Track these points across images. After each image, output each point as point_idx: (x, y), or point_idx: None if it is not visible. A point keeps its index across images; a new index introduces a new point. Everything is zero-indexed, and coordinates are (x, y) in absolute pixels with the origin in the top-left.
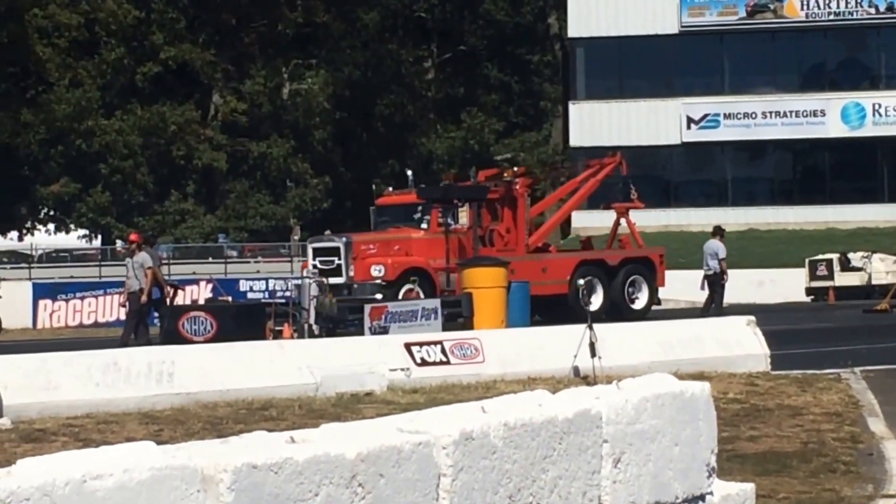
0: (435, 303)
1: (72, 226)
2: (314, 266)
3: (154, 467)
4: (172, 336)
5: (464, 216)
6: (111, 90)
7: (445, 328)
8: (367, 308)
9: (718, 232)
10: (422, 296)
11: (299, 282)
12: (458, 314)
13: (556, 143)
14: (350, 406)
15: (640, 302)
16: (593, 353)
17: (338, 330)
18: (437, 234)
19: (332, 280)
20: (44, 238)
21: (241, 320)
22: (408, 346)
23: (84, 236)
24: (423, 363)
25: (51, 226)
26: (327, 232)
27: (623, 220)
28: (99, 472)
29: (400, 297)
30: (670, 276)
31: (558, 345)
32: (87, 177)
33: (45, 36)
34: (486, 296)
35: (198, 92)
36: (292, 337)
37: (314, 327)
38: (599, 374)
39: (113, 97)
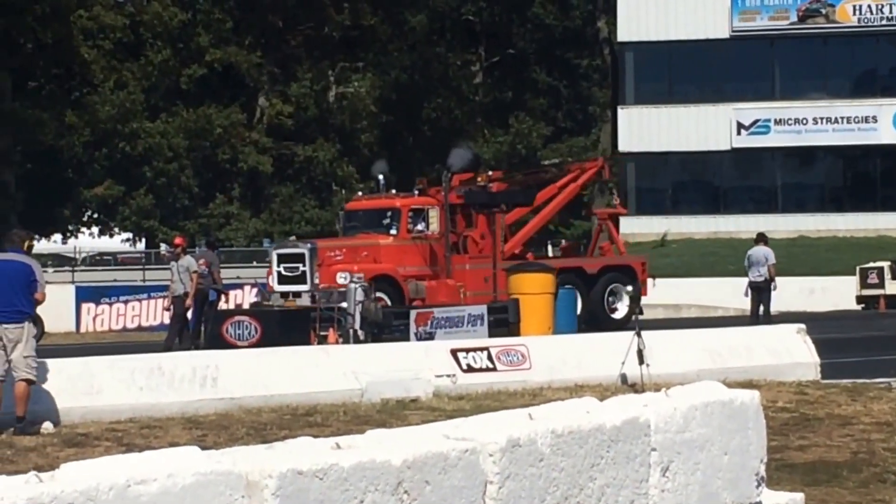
0: (481, 309)
1: (115, 229)
2: (278, 273)
3: (198, 472)
4: (216, 341)
5: (434, 222)
6: (156, 92)
7: (492, 334)
8: (413, 313)
9: (763, 239)
10: (389, 305)
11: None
12: (505, 320)
13: (605, 148)
14: (395, 412)
15: (620, 312)
16: (641, 361)
17: (383, 335)
18: (407, 241)
19: (296, 288)
20: (87, 241)
21: (285, 325)
22: (454, 353)
23: (127, 240)
24: (469, 369)
25: (94, 229)
26: (292, 238)
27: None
28: (143, 477)
29: None
30: (720, 282)
31: (606, 352)
32: (131, 179)
33: (90, 38)
34: (533, 302)
35: (243, 94)
36: (337, 342)
37: (359, 332)
38: (647, 381)
39: (158, 100)
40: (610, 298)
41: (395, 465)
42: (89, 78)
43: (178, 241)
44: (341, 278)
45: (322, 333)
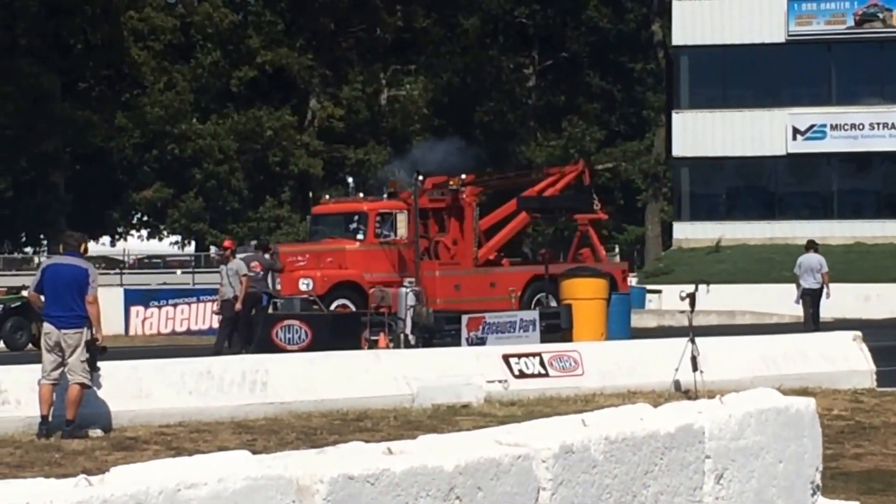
0: (534, 314)
1: (164, 231)
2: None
3: (249, 477)
4: (266, 345)
5: (402, 226)
6: (206, 94)
7: (544, 340)
8: (465, 318)
9: (813, 246)
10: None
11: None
12: (557, 326)
13: (659, 152)
14: (446, 418)
15: None
16: (695, 367)
17: (434, 340)
18: (374, 246)
19: None
20: (136, 244)
21: (336, 329)
22: (506, 358)
23: (176, 242)
24: (522, 375)
25: (143, 231)
26: (253, 242)
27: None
28: (193, 481)
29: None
30: (775, 289)
31: (659, 358)
32: (180, 182)
33: (141, 39)
34: (585, 307)
35: (294, 97)
36: (388, 347)
37: (410, 337)
38: (701, 388)
39: (208, 102)
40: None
41: (447, 470)
42: (139, 79)
43: (227, 244)
44: (303, 284)
45: (373, 338)
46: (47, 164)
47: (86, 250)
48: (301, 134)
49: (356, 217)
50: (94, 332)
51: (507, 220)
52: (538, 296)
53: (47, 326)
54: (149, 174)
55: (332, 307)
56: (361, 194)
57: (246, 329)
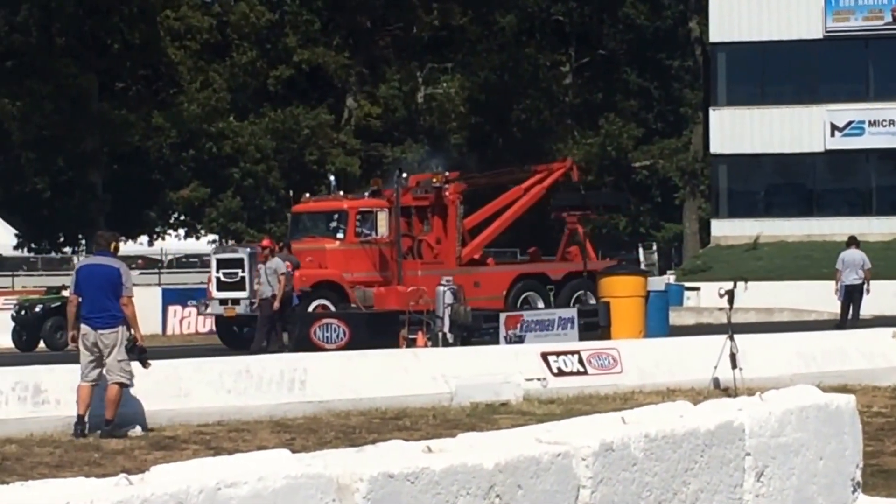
0: (572, 312)
1: (201, 231)
2: (217, 279)
3: (289, 476)
4: (304, 343)
5: (383, 225)
6: (243, 93)
7: (582, 338)
8: (503, 317)
9: (855, 242)
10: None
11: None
12: (595, 324)
13: (697, 149)
14: (485, 416)
15: None
16: (734, 365)
17: (472, 339)
18: (354, 245)
19: (235, 294)
20: (174, 243)
21: (374, 328)
22: (544, 356)
23: (213, 241)
24: (560, 373)
25: (181, 231)
26: (231, 242)
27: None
28: (233, 480)
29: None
30: (813, 286)
31: (698, 356)
32: (217, 181)
33: (177, 38)
34: (624, 305)
35: (331, 95)
36: (426, 345)
37: (448, 336)
38: (740, 385)
39: (245, 101)
40: (577, 305)
41: (487, 468)
42: (176, 79)
43: (265, 243)
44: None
45: (411, 336)
46: (85, 163)
47: (117, 249)
48: (338, 133)
49: (336, 216)
50: (132, 332)
51: (494, 217)
52: (524, 295)
53: (84, 327)
54: (186, 173)
55: (311, 308)
56: (341, 192)
57: (271, 327)
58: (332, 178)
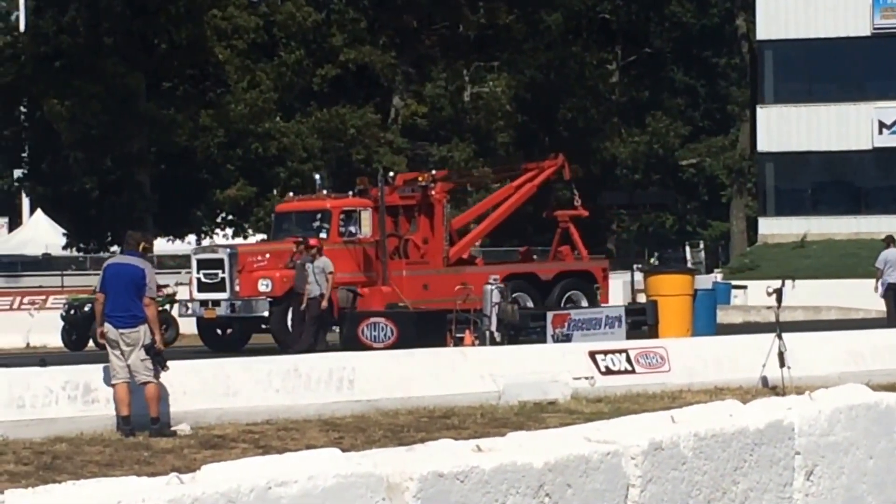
0: (619, 310)
1: (249, 230)
2: (198, 280)
3: (339, 474)
4: (352, 342)
5: (367, 224)
6: (289, 93)
7: (629, 336)
8: (550, 315)
9: (893, 241)
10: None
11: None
12: (643, 322)
13: (744, 147)
14: (533, 415)
15: None
16: (782, 363)
17: (520, 337)
18: (338, 245)
19: (215, 296)
20: (221, 242)
21: (421, 327)
22: (592, 355)
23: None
24: (608, 372)
25: (228, 230)
26: (211, 241)
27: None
28: (283, 479)
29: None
30: (861, 284)
31: (746, 354)
32: (264, 180)
33: (224, 38)
34: (671, 303)
35: (378, 95)
36: (473, 344)
37: (496, 334)
38: (788, 384)
39: (292, 100)
40: (567, 306)
41: (536, 467)
42: (223, 78)
43: (313, 242)
44: (263, 285)
45: (458, 335)
46: (133, 163)
47: (145, 249)
48: (384, 132)
49: (319, 215)
50: (152, 334)
51: (485, 216)
52: (514, 295)
53: (107, 326)
54: (233, 172)
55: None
56: (325, 191)
57: (314, 326)
58: (316, 176)
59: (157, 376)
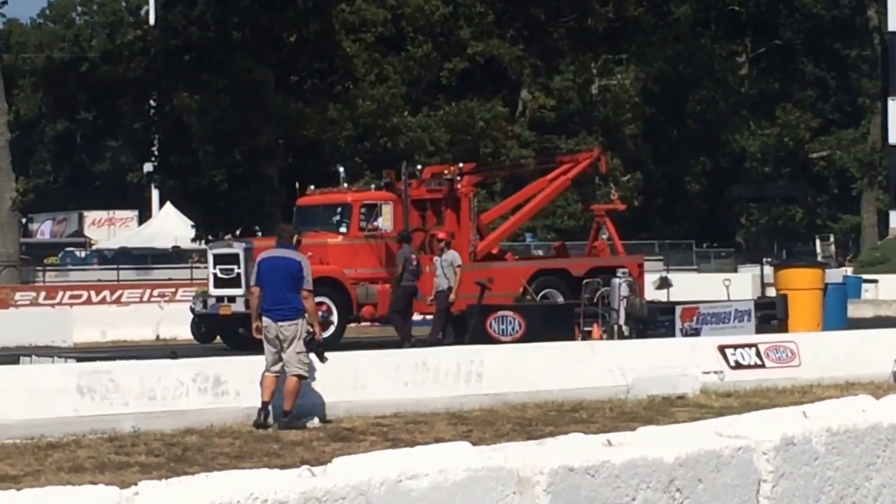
0: (748, 304)
1: None
2: (214, 275)
3: (470, 468)
4: (480, 336)
5: (388, 218)
6: (417, 86)
7: (759, 331)
8: (679, 309)
9: None
10: (333, 310)
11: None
12: (772, 316)
13: (875, 140)
14: (662, 409)
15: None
16: None
17: (648, 331)
18: (358, 240)
19: (231, 291)
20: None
21: (549, 320)
22: (721, 349)
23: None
24: (737, 366)
25: None
26: (227, 236)
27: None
28: (414, 472)
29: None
30: None
31: (877, 349)
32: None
33: (352, 32)
34: (801, 297)
35: (505, 88)
36: (601, 338)
37: (624, 328)
38: None
39: (419, 94)
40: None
41: (667, 462)
42: (351, 72)
43: (441, 235)
44: None
45: (586, 329)
46: (261, 156)
47: (299, 242)
48: (512, 125)
49: (339, 209)
50: (311, 326)
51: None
52: (543, 292)
53: (265, 320)
54: (361, 166)
55: None
56: (346, 184)
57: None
58: (340, 168)
59: (309, 372)
